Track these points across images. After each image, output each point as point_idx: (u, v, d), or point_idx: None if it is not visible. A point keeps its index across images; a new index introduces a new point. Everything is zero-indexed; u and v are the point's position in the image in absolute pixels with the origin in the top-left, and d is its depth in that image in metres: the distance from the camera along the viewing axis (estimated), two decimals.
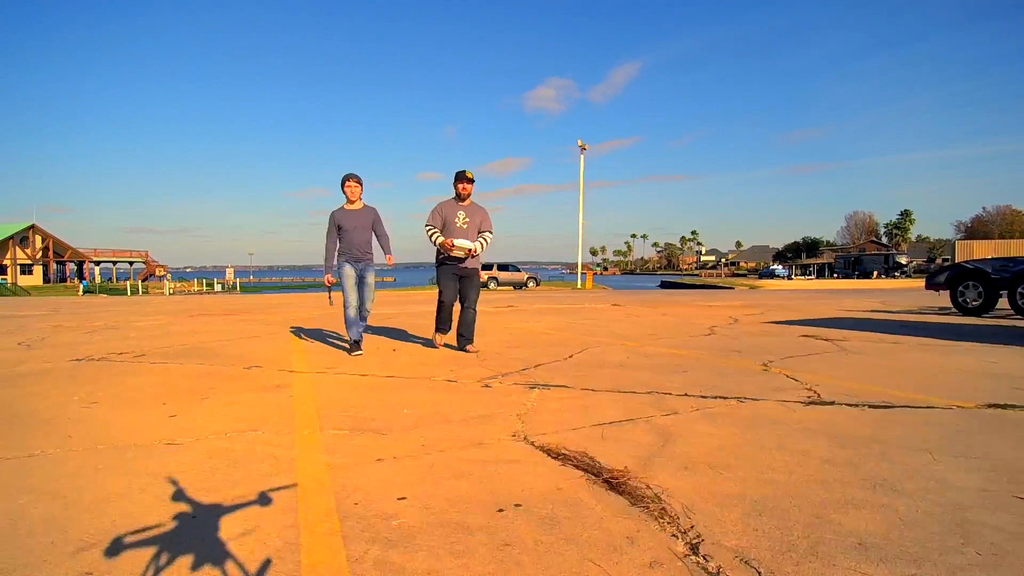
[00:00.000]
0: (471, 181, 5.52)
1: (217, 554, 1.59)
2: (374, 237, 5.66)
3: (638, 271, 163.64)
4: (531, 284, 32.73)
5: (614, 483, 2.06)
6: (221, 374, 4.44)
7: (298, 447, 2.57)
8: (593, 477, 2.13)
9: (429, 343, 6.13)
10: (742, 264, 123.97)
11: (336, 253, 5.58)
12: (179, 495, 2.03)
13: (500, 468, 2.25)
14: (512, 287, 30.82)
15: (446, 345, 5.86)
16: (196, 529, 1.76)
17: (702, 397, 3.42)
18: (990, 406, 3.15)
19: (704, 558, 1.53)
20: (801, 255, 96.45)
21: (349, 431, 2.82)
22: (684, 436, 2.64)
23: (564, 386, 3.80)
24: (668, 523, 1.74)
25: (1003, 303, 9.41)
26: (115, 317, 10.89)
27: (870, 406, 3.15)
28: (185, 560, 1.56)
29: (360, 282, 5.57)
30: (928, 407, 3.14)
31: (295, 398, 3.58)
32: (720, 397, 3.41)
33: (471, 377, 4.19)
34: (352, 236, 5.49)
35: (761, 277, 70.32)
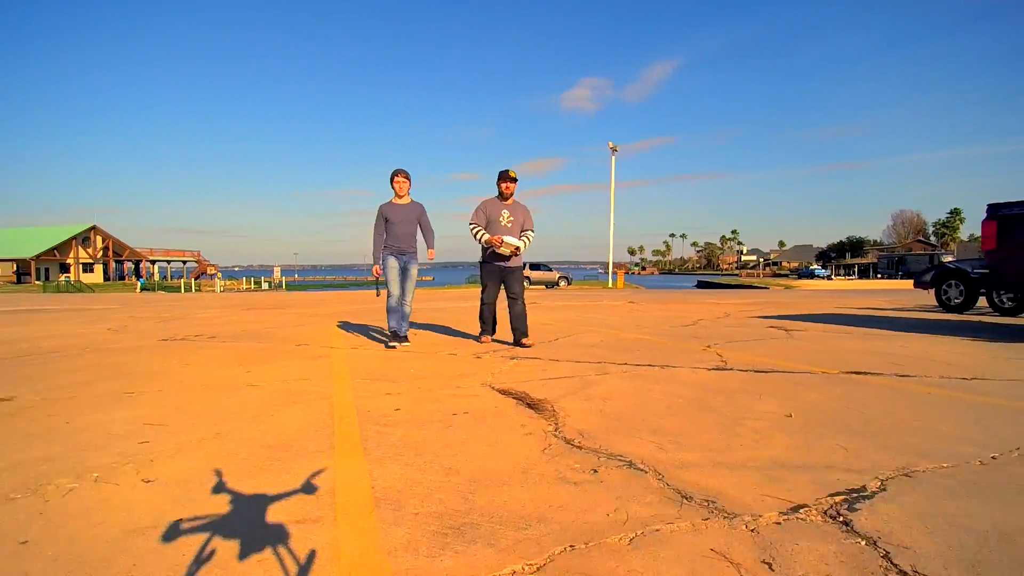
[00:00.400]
0: (514, 180, 5.74)
1: (283, 429, 2.79)
2: (419, 232, 6.01)
3: (677, 271, 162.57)
4: (563, 283, 33.78)
5: (532, 405, 3.19)
6: (278, 349, 5.73)
7: (334, 388, 3.78)
8: (520, 402, 3.27)
9: (447, 331, 7.32)
10: (784, 264, 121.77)
11: (383, 245, 5.93)
12: (259, 407, 3.25)
13: (463, 399, 3.41)
14: (544, 286, 31.92)
15: (496, 340, 6.08)
16: (270, 421, 2.97)
17: (636, 365, 4.49)
18: (850, 372, 4.13)
19: (559, 431, 2.65)
20: (845, 255, 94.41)
21: (370, 380, 4.02)
22: (601, 385, 3.73)
23: (536, 358, 4.92)
24: (551, 420, 2.86)
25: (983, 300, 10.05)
26: (180, 310, 12.52)
27: (756, 371, 4.18)
28: (264, 431, 2.77)
29: (403, 273, 5.91)
30: (802, 373, 4.14)
31: (333, 363, 4.81)
32: (649, 365, 4.48)
33: (468, 352, 5.36)
34: (397, 229, 5.84)
35: (800, 277, 69.64)
